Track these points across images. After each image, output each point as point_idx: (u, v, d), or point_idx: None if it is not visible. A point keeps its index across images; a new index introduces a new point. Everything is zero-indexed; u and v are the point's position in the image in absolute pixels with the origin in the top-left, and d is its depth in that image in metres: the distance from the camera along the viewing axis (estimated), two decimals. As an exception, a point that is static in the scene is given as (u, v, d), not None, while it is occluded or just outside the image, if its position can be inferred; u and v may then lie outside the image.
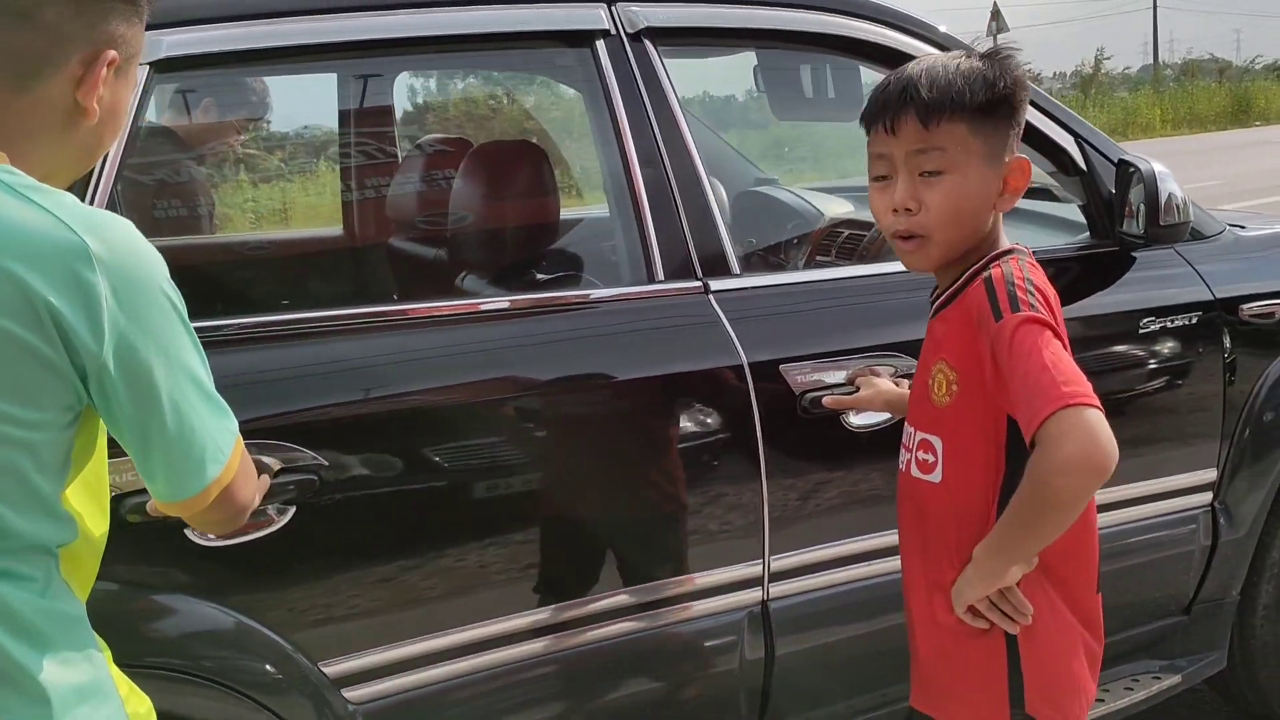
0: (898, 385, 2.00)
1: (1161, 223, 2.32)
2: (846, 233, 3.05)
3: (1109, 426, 1.41)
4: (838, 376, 2.14)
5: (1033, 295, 1.51)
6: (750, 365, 2.09)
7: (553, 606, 1.99)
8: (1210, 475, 2.58)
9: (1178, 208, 2.34)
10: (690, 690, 2.16)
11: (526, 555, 1.97)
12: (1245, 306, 2.58)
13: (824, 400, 2.07)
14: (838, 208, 3.39)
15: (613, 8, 2.18)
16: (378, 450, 1.86)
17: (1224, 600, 2.67)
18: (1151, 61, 42.43)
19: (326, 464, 1.79)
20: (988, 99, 1.60)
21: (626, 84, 2.15)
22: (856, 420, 2.16)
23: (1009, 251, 1.62)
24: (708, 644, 2.13)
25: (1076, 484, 1.42)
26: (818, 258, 3.03)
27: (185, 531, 1.71)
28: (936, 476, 1.63)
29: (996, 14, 25.17)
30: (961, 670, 1.64)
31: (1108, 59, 33.28)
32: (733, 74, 2.77)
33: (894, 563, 2.25)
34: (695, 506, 2.12)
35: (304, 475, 1.77)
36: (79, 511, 1.23)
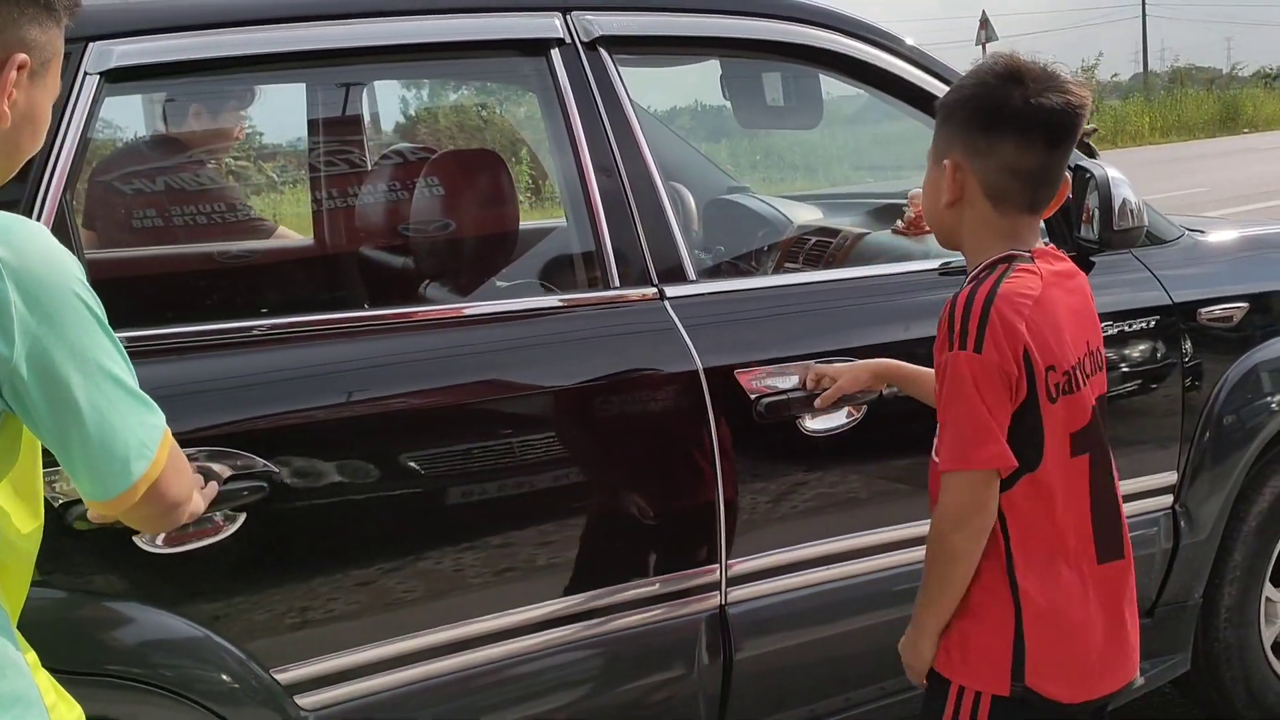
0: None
1: (1116, 227, 2.34)
2: (814, 239, 3.07)
3: (989, 488, 1.62)
4: (794, 381, 2.15)
5: (984, 328, 1.58)
6: (705, 371, 2.10)
7: (508, 612, 2.00)
8: (1170, 478, 2.59)
9: (1132, 212, 2.35)
10: (648, 695, 2.16)
11: (481, 561, 1.98)
12: (1203, 310, 2.60)
13: (815, 404, 2.12)
14: (807, 215, 3.42)
15: (568, 17, 2.20)
16: (329, 457, 1.86)
17: (1187, 603, 2.69)
18: (1141, 70, 42.55)
19: (277, 470, 1.79)
20: (941, 100, 1.74)
21: (581, 92, 2.17)
22: (812, 425, 2.18)
23: (1005, 259, 1.66)
24: (665, 649, 2.13)
25: (953, 540, 1.65)
26: (786, 264, 3.05)
27: (135, 539, 1.72)
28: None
29: (985, 23, 25.26)
30: (974, 640, 1.70)
31: (1094, 66, 33.31)
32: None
33: (855, 566, 2.28)
34: (652, 512, 2.13)
35: (255, 482, 1.77)
36: (5, 513, 1.23)
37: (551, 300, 2.21)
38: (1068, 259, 1.77)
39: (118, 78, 1.89)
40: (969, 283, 1.66)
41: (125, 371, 1.25)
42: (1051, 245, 1.77)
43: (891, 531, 2.28)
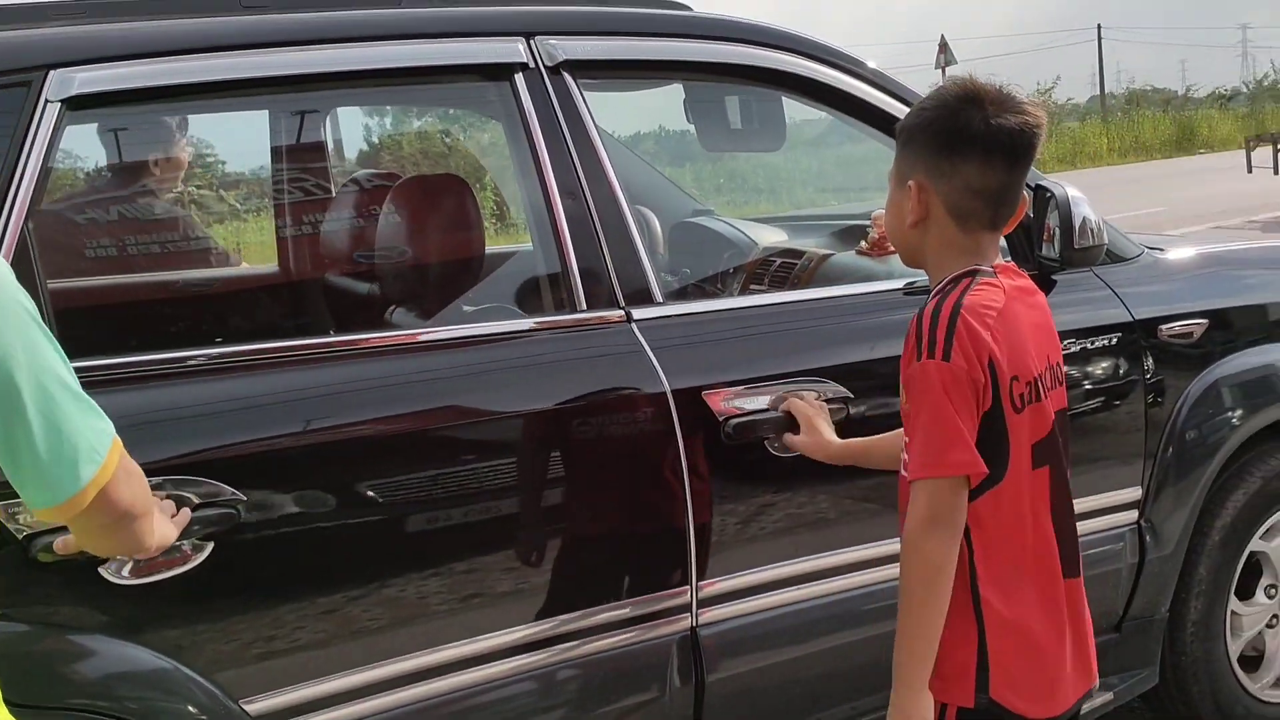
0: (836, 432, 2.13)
1: (1076, 246, 2.37)
2: (779, 261, 3.08)
3: (959, 494, 1.62)
4: (762, 402, 2.16)
5: (952, 337, 1.61)
6: (673, 393, 2.10)
7: (479, 638, 1.99)
8: (1135, 493, 2.62)
9: (1092, 231, 2.38)
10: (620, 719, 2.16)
11: (451, 587, 1.97)
12: (1164, 327, 2.63)
13: (777, 446, 2.14)
14: (771, 237, 3.43)
15: (531, 42, 2.21)
16: (297, 484, 1.85)
17: (1154, 617, 2.71)
18: (1099, 92, 43.12)
19: (245, 498, 1.78)
20: (901, 124, 1.77)
21: (546, 117, 2.18)
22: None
23: (969, 273, 1.69)
24: (636, 672, 2.13)
25: (928, 548, 1.63)
26: (752, 286, 3.06)
27: (101, 570, 1.70)
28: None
29: (945, 47, 25.55)
30: (939, 653, 1.67)
31: (1051, 89, 33.73)
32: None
33: (826, 585, 2.28)
34: (621, 535, 2.13)
35: (222, 510, 1.76)
36: None
37: (519, 324, 2.21)
38: (1027, 276, 1.80)
39: (79, 105, 1.88)
40: (934, 296, 1.69)
41: (71, 378, 1.24)
42: (1012, 262, 1.79)
43: (861, 550, 2.29)
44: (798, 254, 3.05)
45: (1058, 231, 2.40)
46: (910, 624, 1.65)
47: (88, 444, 1.24)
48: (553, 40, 2.22)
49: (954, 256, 1.71)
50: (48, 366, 1.21)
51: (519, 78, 2.18)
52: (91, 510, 1.25)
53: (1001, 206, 1.71)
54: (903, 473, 1.75)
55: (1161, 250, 2.85)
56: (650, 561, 2.15)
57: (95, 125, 2.69)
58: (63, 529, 1.56)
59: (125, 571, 1.71)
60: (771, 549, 2.22)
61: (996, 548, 1.68)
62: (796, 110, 2.68)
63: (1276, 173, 16.73)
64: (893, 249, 2.87)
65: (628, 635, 2.10)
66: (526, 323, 2.20)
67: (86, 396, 1.26)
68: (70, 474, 1.23)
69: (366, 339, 2.08)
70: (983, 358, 1.61)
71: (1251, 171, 17.36)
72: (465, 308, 2.41)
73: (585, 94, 2.23)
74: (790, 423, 2.15)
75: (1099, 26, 44.15)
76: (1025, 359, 1.67)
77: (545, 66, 2.20)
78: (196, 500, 1.72)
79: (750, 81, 2.53)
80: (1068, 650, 1.75)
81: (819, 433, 2.12)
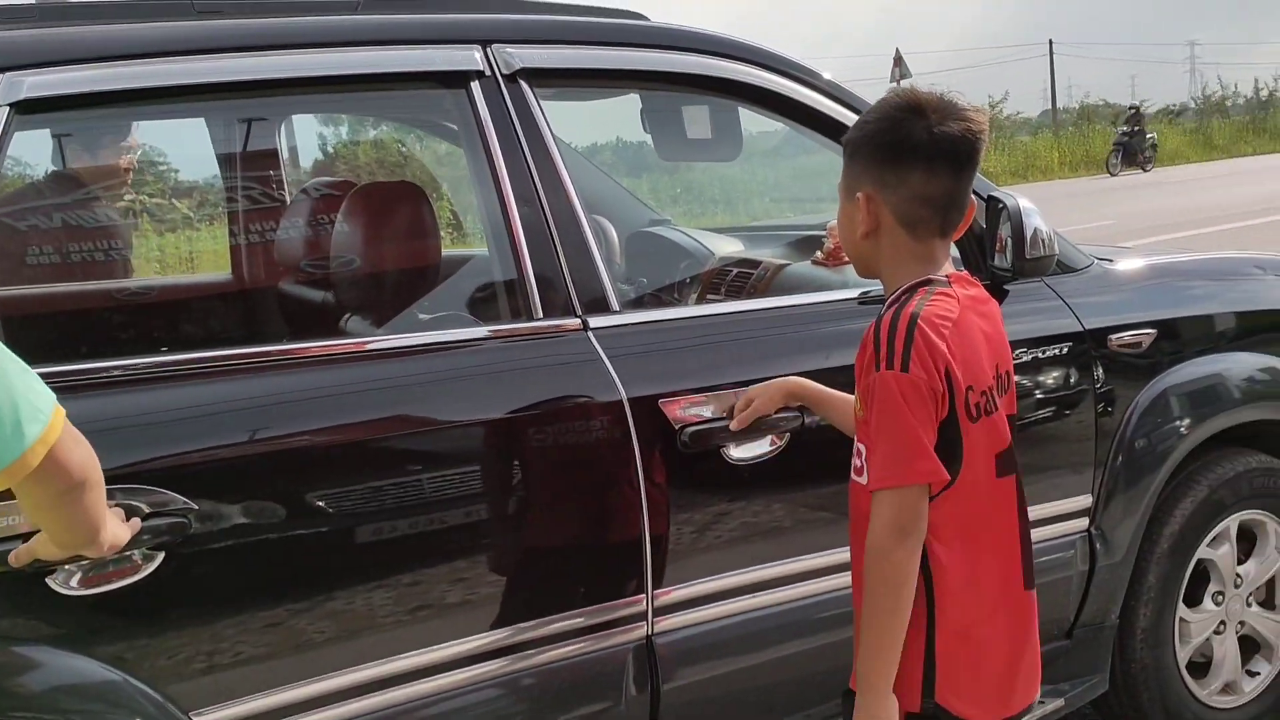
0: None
1: (1028, 256, 2.39)
2: (735, 271, 3.10)
3: (922, 502, 1.64)
4: (718, 410, 2.16)
5: (910, 347, 1.62)
6: (630, 401, 2.10)
7: (434, 648, 1.97)
8: (1085, 501, 2.65)
9: (1043, 241, 2.41)
10: (576, 728, 2.15)
11: (405, 597, 1.95)
12: (1114, 337, 2.66)
13: (731, 425, 2.12)
14: (728, 247, 3.45)
15: (488, 49, 2.20)
16: (248, 494, 1.83)
17: (1104, 624, 2.74)
18: (1051, 106, 43.65)
19: (196, 508, 1.76)
20: (847, 137, 1.78)
21: (502, 124, 2.17)
22: (737, 453, 2.19)
23: (924, 283, 1.71)
24: (592, 681, 2.12)
25: (896, 557, 1.64)
26: (708, 296, 3.07)
27: (49, 580, 1.67)
28: (864, 479, 1.70)
29: (899, 61, 25.75)
30: None
31: (1001, 102, 34.10)
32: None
33: (782, 593, 2.29)
34: (577, 543, 2.13)
35: (173, 519, 1.74)
36: None
37: (475, 331, 2.20)
38: (980, 285, 1.82)
39: (28, 109, 1.85)
40: (890, 306, 1.70)
41: (5, 349, 1.24)
42: (965, 272, 1.81)
43: (817, 558, 2.30)
44: (754, 264, 3.07)
45: (1010, 242, 2.43)
46: (876, 630, 1.66)
47: (29, 404, 1.23)
48: (510, 49, 2.22)
49: (907, 265, 1.73)
50: None
51: (475, 85, 2.18)
52: (43, 475, 1.25)
53: (950, 213, 1.73)
54: (854, 478, 1.76)
55: (1111, 261, 2.89)
56: (606, 570, 2.14)
57: (46, 130, 2.66)
58: (13, 543, 1.54)
59: (73, 582, 1.69)
60: (727, 557, 2.22)
61: (953, 554, 1.70)
62: (755, 122, 2.70)
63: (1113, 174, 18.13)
64: (847, 259, 2.91)
65: (584, 644, 2.09)
66: (482, 330, 2.19)
67: (20, 359, 1.26)
68: (14, 434, 1.22)
69: (318, 347, 2.07)
70: (940, 368, 1.63)
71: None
72: (421, 315, 2.40)
73: (542, 102, 2.23)
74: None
75: (1050, 42, 44.76)
76: (979, 368, 1.70)
77: (502, 75, 2.20)
78: (147, 509, 1.70)
79: (706, 91, 2.54)
80: (1019, 658, 1.78)
81: (762, 390, 2.12)
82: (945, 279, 1.73)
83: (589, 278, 2.19)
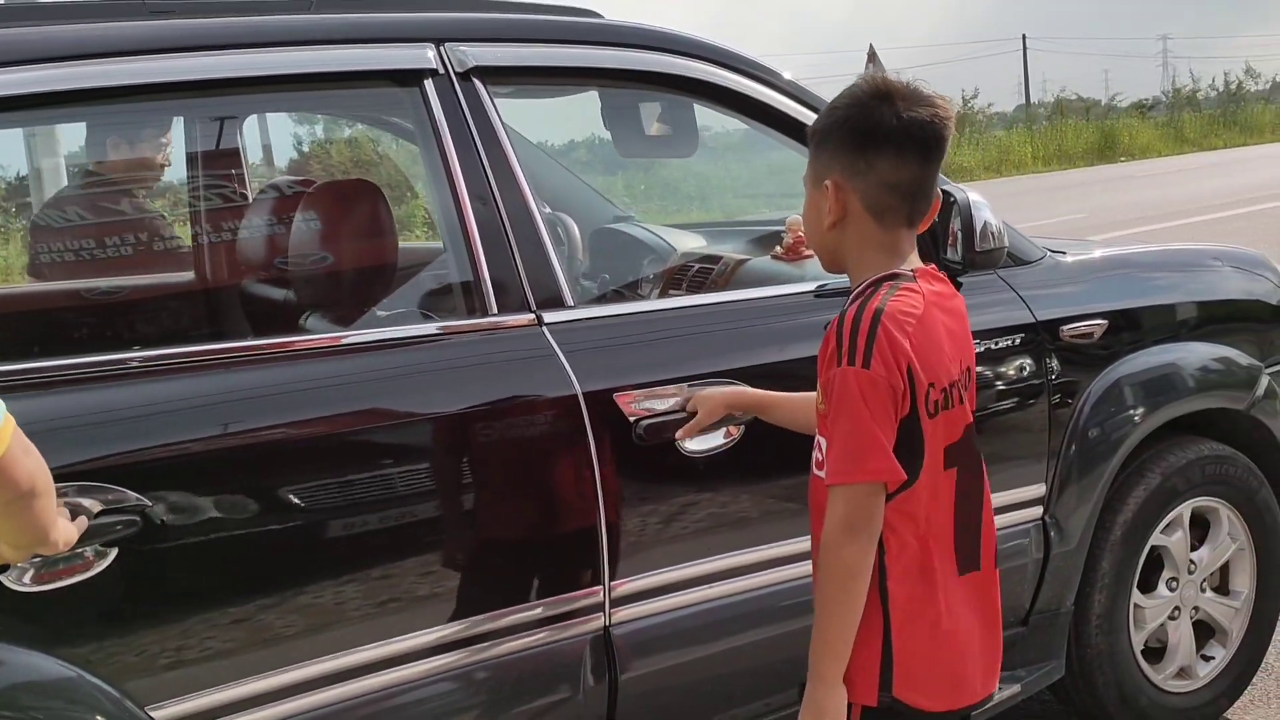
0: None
1: (978, 249, 2.42)
2: (697, 266, 3.12)
3: (877, 499, 1.65)
4: (672, 403, 2.19)
5: (872, 344, 1.62)
6: (584, 395, 2.13)
7: (391, 641, 1.99)
8: (1039, 490, 2.69)
9: (993, 234, 2.44)
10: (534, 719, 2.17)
11: (362, 591, 1.97)
12: (1066, 328, 2.70)
13: (676, 435, 2.15)
14: (690, 242, 3.48)
15: (441, 48, 2.22)
16: (202, 489, 1.84)
17: (1060, 611, 2.78)
18: (1024, 101, 43.88)
19: (150, 504, 1.77)
20: (813, 126, 1.79)
21: (455, 122, 2.19)
22: (692, 445, 2.21)
23: (890, 277, 1.71)
24: (550, 672, 2.14)
25: (847, 553, 1.65)
26: (670, 291, 3.09)
27: (1, 578, 1.68)
28: (824, 473, 1.71)
29: (873, 56, 25.79)
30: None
31: (974, 98, 34.23)
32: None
33: (738, 583, 2.32)
34: (534, 536, 2.15)
35: (126, 516, 1.75)
36: None
37: (429, 328, 2.22)
38: (947, 280, 1.82)
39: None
40: (855, 300, 1.71)
41: None
42: (933, 266, 1.81)
43: (773, 548, 2.33)
44: (715, 259, 3.09)
45: (960, 235, 2.46)
46: (826, 623, 1.68)
47: None
48: (463, 47, 2.24)
49: (874, 256, 1.73)
50: None
51: (429, 84, 2.20)
52: None
53: (918, 201, 1.73)
54: (815, 472, 1.78)
55: (1063, 253, 2.92)
56: (564, 562, 2.16)
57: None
58: None
59: (27, 579, 1.70)
60: (683, 548, 2.25)
61: (907, 548, 1.71)
62: (715, 119, 2.72)
63: None
64: (808, 253, 2.94)
65: (541, 635, 2.11)
66: (438, 327, 2.21)
67: None
68: None
69: (279, 343, 2.09)
70: (901, 365, 1.64)
71: None
72: (378, 312, 2.42)
73: (496, 100, 2.25)
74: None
75: (1024, 37, 45.03)
76: (941, 366, 1.70)
77: (455, 73, 2.22)
78: (99, 506, 1.71)
79: (660, 88, 2.56)
80: (976, 646, 1.79)
81: (707, 398, 2.15)
82: (911, 273, 1.73)
83: (543, 273, 2.21)
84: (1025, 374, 2.65)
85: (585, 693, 2.17)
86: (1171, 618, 2.97)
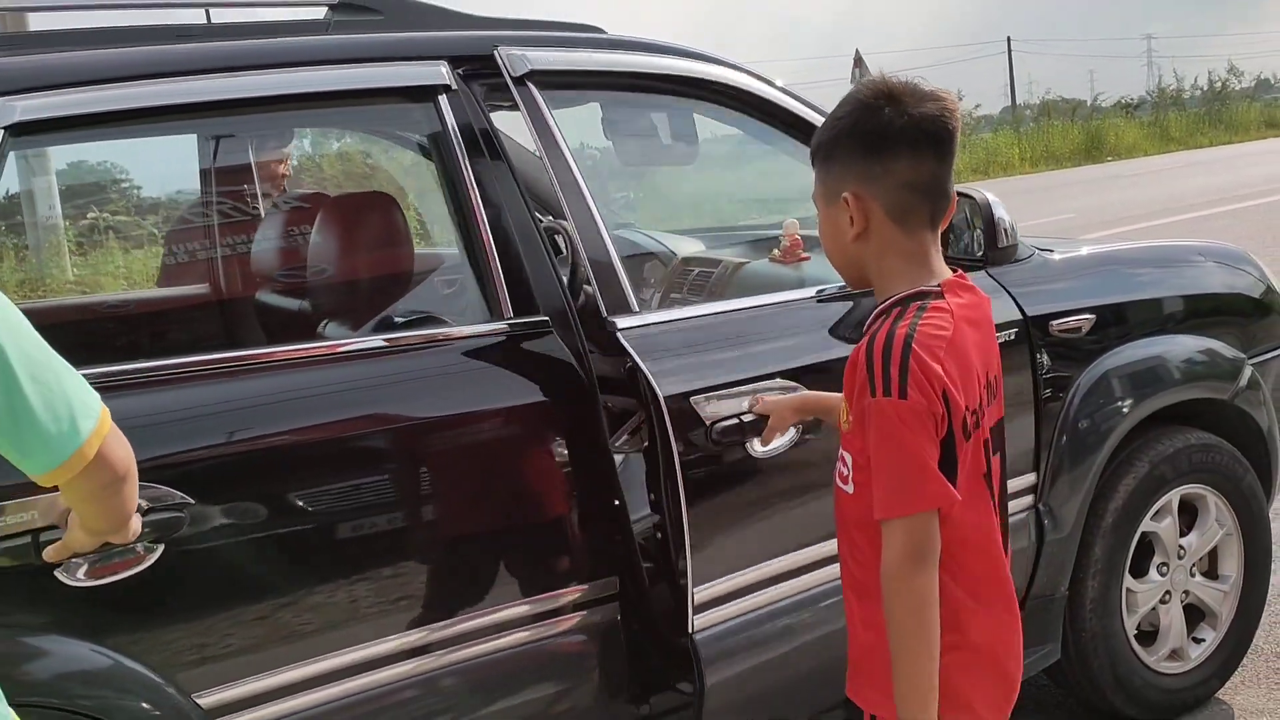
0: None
1: (1000, 246, 2.51)
2: (697, 270, 3.23)
3: (934, 523, 1.59)
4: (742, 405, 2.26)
5: (906, 373, 1.57)
6: (665, 399, 2.18)
7: (422, 629, 2.09)
8: (1032, 479, 2.78)
9: (1006, 231, 2.53)
10: (551, 705, 2.26)
11: (387, 585, 2.07)
12: (1054, 323, 2.79)
13: (758, 443, 2.24)
14: (689, 247, 3.58)
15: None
16: (241, 489, 1.94)
17: (1054, 596, 2.86)
18: (1010, 103, 44.06)
19: (193, 502, 1.87)
20: (816, 142, 1.74)
21: (468, 135, 2.29)
22: (760, 448, 2.29)
23: (917, 295, 1.66)
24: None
25: (918, 583, 1.59)
26: (671, 294, 3.20)
27: (56, 573, 1.77)
28: (850, 487, 1.71)
29: (859, 61, 25.91)
30: (875, 666, 1.70)
31: (961, 102, 34.29)
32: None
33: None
34: (549, 535, 2.25)
35: (171, 514, 1.84)
36: None
37: (449, 330, 2.31)
38: (974, 287, 1.76)
39: (21, 131, 1.95)
40: (884, 321, 1.65)
41: (47, 345, 1.31)
42: (960, 272, 1.74)
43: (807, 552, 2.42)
44: (714, 262, 3.19)
45: (980, 233, 2.54)
46: (907, 659, 1.61)
47: (81, 401, 1.31)
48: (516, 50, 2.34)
49: (901, 264, 1.68)
50: (28, 334, 1.28)
51: (443, 99, 2.30)
52: (94, 468, 1.32)
53: (938, 199, 1.68)
54: (840, 486, 1.74)
55: (1050, 251, 3.02)
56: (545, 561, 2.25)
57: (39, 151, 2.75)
58: (48, 538, 1.63)
59: (80, 574, 1.79)
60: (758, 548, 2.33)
61: (946, 570, 1.65)
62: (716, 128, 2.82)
63: None
64: (804, 255, 3.03)
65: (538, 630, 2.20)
66: (454, 330, 2.30)
67: (65, 361, 1.32)
68: (71, 430, 1.29)
69: (302, 349, 2.18)
70: (938, 390, 1.58)
71: None
72: (395, 319, 2.51)
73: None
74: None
75: (1009, 39, 45.23)
76: (971, 386, 1.66)
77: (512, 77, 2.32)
78: (147, 505, 1.80)
79: (667, 95, 2.66)
80: (1010, 662, 1.77)
81: (775, 409, 2.20)
82: (938, 288, 1.67)
83: (612, 284, 2.31)
84: (1016, 368, 2.72)
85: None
86: (1163, 601, 3.05)
